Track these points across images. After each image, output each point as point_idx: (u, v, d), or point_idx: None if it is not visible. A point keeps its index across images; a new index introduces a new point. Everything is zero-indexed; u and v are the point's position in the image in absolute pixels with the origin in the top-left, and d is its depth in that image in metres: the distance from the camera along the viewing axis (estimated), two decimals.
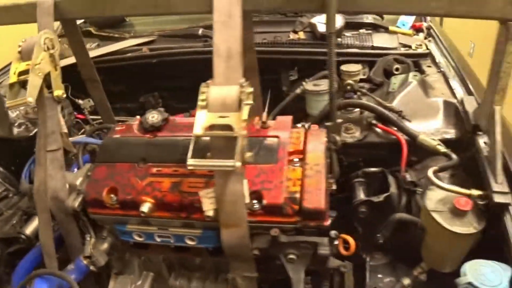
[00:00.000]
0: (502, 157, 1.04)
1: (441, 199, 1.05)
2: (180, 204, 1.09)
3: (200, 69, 1.13)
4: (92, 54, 1.80)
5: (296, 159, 1.12)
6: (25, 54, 1.14)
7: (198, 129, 0.95)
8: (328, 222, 1.04)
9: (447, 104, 1.30)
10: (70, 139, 1.31)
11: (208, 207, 1.05)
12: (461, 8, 0.91)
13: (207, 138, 0.97)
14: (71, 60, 1.87)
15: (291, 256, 1.06)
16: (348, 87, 1.39)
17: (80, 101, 1.77)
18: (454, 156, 1.13)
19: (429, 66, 1.54)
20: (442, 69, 1.50)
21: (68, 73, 1.61)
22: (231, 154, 0.91)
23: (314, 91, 1.48)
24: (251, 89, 0.99)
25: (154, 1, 1.08)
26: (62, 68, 1.20)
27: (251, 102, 0.98)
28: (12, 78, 1.13)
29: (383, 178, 1.22)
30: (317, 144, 1.14)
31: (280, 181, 1.06)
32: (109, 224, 1.21)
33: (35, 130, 1.51)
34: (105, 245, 1.23)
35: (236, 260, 1.10)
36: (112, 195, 1.14)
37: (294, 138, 1.17)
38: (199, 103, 0.98)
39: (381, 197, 1.16)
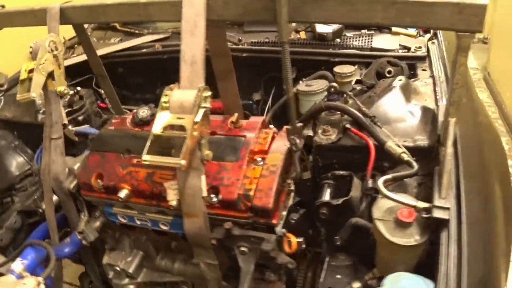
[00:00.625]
0: (454, 170, 1.04)
1: (389, 208, 1.07)
2: (151, 193, 1.22)
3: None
4: (111, 49, 2.00)
5: (259, 159, 1.20)
6: (34, 55, 1.31)
7: (157, 128, 1.06)
8: (276, 221, 1.12)
9: (425, 110, 1.29)
10: (76, 128, 1.50)
11: (172, 198, 1.17)
12: (408, 18, 0.92)
13: None
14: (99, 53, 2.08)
15: (243, 248, 1.15)
16: (332, 89, 1.42)
17: (103, 91, 1.95)
18: (415, 166, 1.13)
19: (424, 70, 1.52)
20: (434, 74, 1.47)
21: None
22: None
23: (305, 92, 1.53)
24: (208, 93, 1.08)
25: (137, 11, 1.20)
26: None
27: (207, 105, 1.07)
28: (23, 75, 1.31)
29: (350, 182, 1.26)
30: (280, 146, 1.21)
31: (237, 178, 1.15)
32: (100, 206, 1.37)
33: None
34: (97, 223, 1.39)
35: (198, 247, 1.21)
36: (99, 181, 1.29)
37: (261, 139, 1.24)
38: (162, 104, 1.09)
39: (339, 201, 1.19)
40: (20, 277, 1.21)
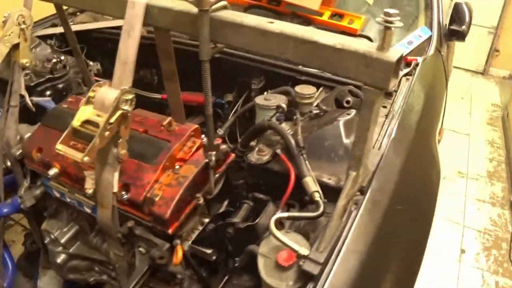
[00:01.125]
0: (339, 224, 1.03)
1: (276, 246, 1.06)
2: (76, 177, 1.29)
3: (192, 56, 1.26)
4: (97, 25, 2.08)
5: (177, 166, 1.24)
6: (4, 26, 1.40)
7: (76, 121, 1.12)
8: (172, 230, 1.16)
9: None
10: (37, 99, 1.59)
11: (89, 186, 1.23)
12: (317, 61, 0.90)
13: None
14: (90, 26, 2.16)
15: (141, 249, 1.21)
16: (280, 109, 1.42)
17: (91, 63, 2.03)
18: (320, 209, 1.11)
19: (384, 107, 1.48)
20: (390, 112, 1.43)
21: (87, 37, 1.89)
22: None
23: (260, 105, 1.53)
24: (130, 96, 1.12)
25: (91, 1, 1.25)
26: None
27: (126, 108, 1.11)
28: None
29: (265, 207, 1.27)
30: (200, 158, 1.24)
31: (148, 181, 1.19)
32: (41, 176, 1.46)
33: (37, 81, 1.80)
34: (37, 192, 1.48)
35: (108, 237, 1.28)
36: (38, 154, 1.38)
37: (187, 147, 1.27)
38: (88, 99, 1.14)
39: (243, 225, 1.21)
40: None
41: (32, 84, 1.79)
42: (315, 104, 1.58)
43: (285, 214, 1.10)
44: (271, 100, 1.55)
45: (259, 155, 1.34)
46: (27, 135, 1.46)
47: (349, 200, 1.03)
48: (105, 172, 1.17)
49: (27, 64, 1.43)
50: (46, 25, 2.24)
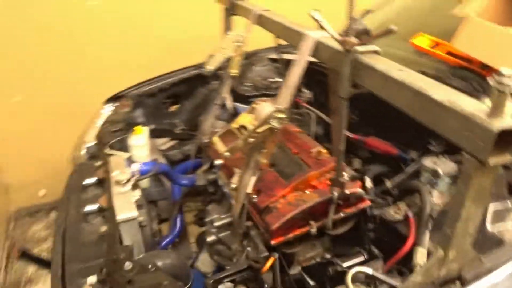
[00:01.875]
0: None
1: None
2: (231, 172, 1.51)
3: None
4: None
5: (307, 192, 1.31)
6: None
7: (234, 123, 1.32)
8: (273, 242, 1.24)
9: None
10: (236, 104, 1.89)
11: (234, 182, 1.43)
12: (426, 116, 0.83)
13: None
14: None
15: (249, 248, 1.33)
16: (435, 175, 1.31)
17: (305, 91, 2.25)
18: None
19: None
20: None
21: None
22: None
23: (427, 168, 1.43)
24: (282, 116, 1.25)
25: (278, 30, 1.45)
26: None
27: (274, 125, 1.25)
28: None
29: None
30: (328, 191, 1.28)
31: (276, 194, 1.31)
32: None
33: (252, 94, 2.14)
34: (210, 176, 1.75)
35: (233, 230, 1.44)
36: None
37: (325, 177, 1.34)
38: (251, 108, 1.33)
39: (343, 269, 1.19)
40: None
41: (247, 94, 2.14)
42: None
43: (368, 270, 1.05)
44: (439, 166, 1.45)
45: (395, 212, 1.29)
46: (216, 130, 1.77)
47: (433, 282, 0.91)
48: (246, 174, 1.34)
49: (235, 74, 1.74)
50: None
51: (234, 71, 1.74)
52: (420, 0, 2.40)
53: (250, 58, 2.40)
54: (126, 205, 1.44)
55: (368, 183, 1.68)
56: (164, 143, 2.34)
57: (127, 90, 2.26)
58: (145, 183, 2.00)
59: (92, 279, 1.24)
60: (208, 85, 2.34)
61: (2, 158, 2.81)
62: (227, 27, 2.02)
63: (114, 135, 1.92)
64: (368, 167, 1.99)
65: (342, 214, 1.28)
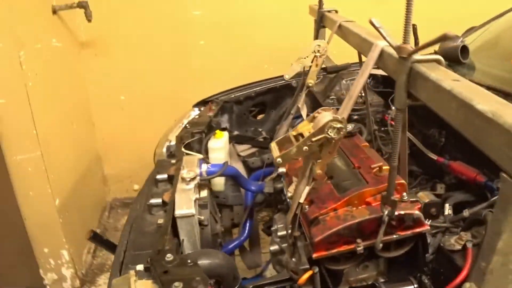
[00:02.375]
0: None
1: None
2: (291, 181, 1.48)
3: None
4: None
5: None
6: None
7: (293, 131, 1.31)
8: (315, 255, 1.18)
9: None
10: None
11: (290, 190, 1.40)
12: (470, 130, 0.74)
13: None
14: None
15: (294, 259, 1.29)
16: None
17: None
18: None
19: None
20: None
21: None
22: None
23: None
24: (339, 125, 1.20)
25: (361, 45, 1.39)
26: None
27: (331, 135, 1.21)
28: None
29: None
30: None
31: (327, 206, 1.26)
32: None
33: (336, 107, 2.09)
34: (278, 185, 1.76)
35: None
36: None
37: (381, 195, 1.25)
38: (312, 117, 1.31)
39: None
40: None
41: (331, 108, 2.08)
42: None
43: None
44: None
45: (455, 241, 1.16)
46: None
47: None
48: (301, 183, 1.31)
49: (310, 85, 1.72)
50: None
51: (310, 81, 1.72)
52: None
53: (340, 72, 2.35)
54: (185, 202, 1.49)
55: (447, 210, 1.54)
56: (246, 149, 2.39)
57: (216, 95, 2.37)
58: (220, 186, 2.07)
59: (140, 266, 1.31)
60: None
61: (104, 151, 3.13)
62: (317, 39, 2.01)
63: (193, 136, 2.01)
64: (452, 193, 1.82)
65: (394, 236, 1.18)
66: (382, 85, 2.34)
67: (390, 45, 1.00)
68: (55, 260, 2.54)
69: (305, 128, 1.28)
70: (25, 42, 2.19)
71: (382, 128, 2.15)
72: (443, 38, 0.86)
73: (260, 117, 2.53)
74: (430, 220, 1.44)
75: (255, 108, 2.47)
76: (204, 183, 1.76)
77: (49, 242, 2.48)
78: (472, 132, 0.73)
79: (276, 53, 2.89)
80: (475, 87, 0.80)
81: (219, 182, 2.06)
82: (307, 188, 1.28)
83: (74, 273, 2.61)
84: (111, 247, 1.81)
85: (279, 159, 1.23)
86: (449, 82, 0.83)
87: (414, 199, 1.25)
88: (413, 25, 2.37)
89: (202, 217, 1.61)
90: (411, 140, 2.09)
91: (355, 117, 2.12)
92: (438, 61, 0.99)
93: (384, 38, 1.02)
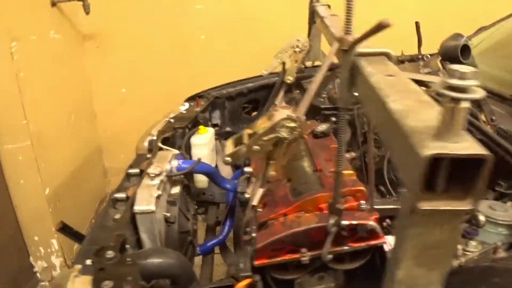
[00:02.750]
0: None
1: None
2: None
3: None
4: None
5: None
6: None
7: (248, 129, 1.23)
8: (256, 263, 1.11)
9: None
10: None
11: (248, 191, 1.33)
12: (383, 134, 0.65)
13: None
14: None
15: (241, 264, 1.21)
16: None
17: None
18: None
19: None
20: None
21: None
22: None
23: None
24: (292, 125, 1.12)
25: None
26: None
27: (282, 134, 1.12)
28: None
29: None
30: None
31: (277, 211, 1.18)
32: None
33: (326, 106, 1.99)
34: None
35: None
36: None
37: None
38: (270, 114, 1.22)
39: None
40: None
41: (322, 106, 1.99)
42: None
43: None
44: (500, 213, 1.14)
45: None
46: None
47: None
48: (256, 184, 1.23)
49: (289, 81, 1.63)
50: None
51: (289, 77, 1.63)
52: None
53: (335, 70, 2.24)
54: (146, 198, 1.44)
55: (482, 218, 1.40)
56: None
57: (207, 90, 2.30)
58: (203, 183, 2.01)
59: (89, 261, 1.27)
60: (289, 94, 2.25)
61: (106, 144, 3.13)
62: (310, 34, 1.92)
63: (175, 131, 1.96)
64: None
65: (345, 248, 1.08)
66: None
67: (334, 36, 0.90)
68: (45, 248, 2.55)
69: (262, 126, 1.20)
70: (18, 33, 2.19)
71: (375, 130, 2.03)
72: (379, 28, 0.77)
73: (254, 114, 2.45)
74: None
75: (248, 105, 2.39)
76: (178, 179, 1.70)
77: (39, 230, 2.49)
78: (383, 136, 0.64)
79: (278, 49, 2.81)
80: (407, 84, 0.70)
81: (201, 179, 2.01)
82: (261, 190, 1.21)
83: (63, 262, 2.61)
84: (80, 239, 1.79)
85: (227, 158, 1.16)
86: (379, 77, 0.73)
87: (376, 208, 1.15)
88: (416, 22, 2.25)
89: (169, 214, 1.55)
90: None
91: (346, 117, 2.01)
92: (386, 55, 0.89)
93: (330, 28, 0.93)
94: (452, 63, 2.08)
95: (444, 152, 0.44)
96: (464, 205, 0.48)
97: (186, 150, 1.97)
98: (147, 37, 2.89)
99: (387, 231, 1.33)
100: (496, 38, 2.13)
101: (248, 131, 1.22)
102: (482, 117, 1.52)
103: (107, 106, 3.07)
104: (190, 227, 1.75)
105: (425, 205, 0.48)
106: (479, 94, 0.45)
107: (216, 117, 2.33)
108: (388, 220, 1.32)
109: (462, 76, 0.45)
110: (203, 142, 1.97)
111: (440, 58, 2.14)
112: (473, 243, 1.05)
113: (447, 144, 0.46)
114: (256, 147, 1.14)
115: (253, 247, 1.13)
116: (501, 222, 1.12)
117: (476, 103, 1.60)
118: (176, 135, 1.97)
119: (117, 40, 2.91)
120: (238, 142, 1.23)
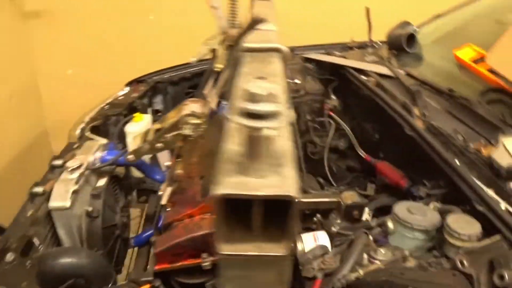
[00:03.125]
0: None
1: None
2: None
3: None
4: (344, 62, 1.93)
5: None
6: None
7: (156, 124, 1.16)
8: (156, 268, 1.06)
9: None
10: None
11: (162, 188, 1.26)
12: None
13: None
14: (336, 60, 2.05)
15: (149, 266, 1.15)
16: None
17: (333, 97, 1.99)
18: None
19: None
20: None
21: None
22: None
23: (401, 220, 1.09)
24: (196, 121, 1.05)
25: None
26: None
27: (186, 131, 1.06)
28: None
29: None
30: None
31: (184, 212, 1.12)
32: None
33: None
34: None
35: None
36: None
37: None
38: (180, 108, 1.15)
39: None
40: None
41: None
42: None
43: None
44: (417, 217, 1.10)
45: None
46: None
47: None
48: (167, 183, 1.17)
49: (217, 70, 1.54)
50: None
51: (218, 65, 1.54)
52: (493, 7, 1.92)
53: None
54: (61, 194, 1.36)
55: (366, 215, 1.38)
56: None
57: (148, 75, 2.20)
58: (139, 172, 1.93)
59: None
60: None
61: (52, 127, 3.01)
62: None
63: (108, 119, 1.86)
64: (378, 196, 1.68)
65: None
66: (328, 72, 2.14)
67: (221, 32, 0.83)
68: None
69: (169, 121, 1.13)
70: None
71: (317, 119, 1.98)
72: (254, 23, 0.70)
73: None
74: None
75: (192, 90, 2.30)
76: (106, 170, 1.62)
77: None
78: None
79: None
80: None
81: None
82: (169, 189, 1.14)
83: None
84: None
85: (130, 156, 1.09)
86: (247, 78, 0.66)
87: None
88: (366, 8, 2.16)
89: (90, 209, 1.47)
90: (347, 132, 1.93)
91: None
92: (277, 50, 0.82)
93: (219, 19, 0.85)
94: (399, 52, 2.03)
95: (233, 193, 0.38)
96: (276, 250, 0.42)
97: (120, 138, 1.88)
98: (93, 17, 2.75)
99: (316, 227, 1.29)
100: (448, 28, 2.08)
101: (157, 126, 1.15)
102: (416, 111, 1.47)
103: (53, 87, 2.93)
104: (118, 220, 1.68)
105: (226, 249, 0.41)
106: (282, 119, 0.38)
107: (158, 102, 2.24)
108: (318, 215, 1.28)
109: (260, 99, 0.38)
110: (138, 130, 1.87)
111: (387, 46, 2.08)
112: (382, 250, 1.00)
113: (249, 179, 0.40)
114: (159, 145, 1.07)
115: (155, 250, 1.08)
116: (416, 227, 1.08)
117: (411, 95, 1.55)
118: (109, 123, 1.88)
119: (62, 18, 2.76)
120: (144, 138, 1.16)
